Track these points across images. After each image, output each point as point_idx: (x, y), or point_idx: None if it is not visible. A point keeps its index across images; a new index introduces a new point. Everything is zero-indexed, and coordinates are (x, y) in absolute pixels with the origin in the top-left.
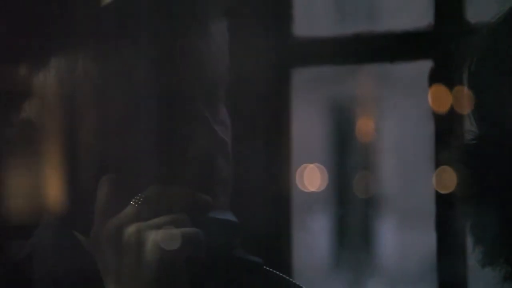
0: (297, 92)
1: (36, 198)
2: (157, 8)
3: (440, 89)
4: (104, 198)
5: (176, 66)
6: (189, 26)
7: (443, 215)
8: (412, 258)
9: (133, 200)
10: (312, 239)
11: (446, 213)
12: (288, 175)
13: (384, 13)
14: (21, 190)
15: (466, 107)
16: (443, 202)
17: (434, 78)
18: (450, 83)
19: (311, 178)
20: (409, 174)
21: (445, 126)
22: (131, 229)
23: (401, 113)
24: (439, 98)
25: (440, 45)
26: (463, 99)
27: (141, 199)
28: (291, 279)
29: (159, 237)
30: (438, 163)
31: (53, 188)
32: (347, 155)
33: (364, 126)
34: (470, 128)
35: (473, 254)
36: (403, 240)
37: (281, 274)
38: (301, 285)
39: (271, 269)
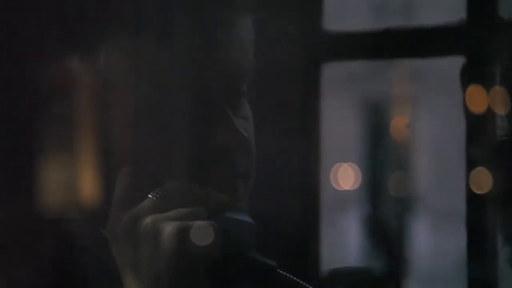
0: (328, 88)
1: (71, 193)
2: (182, 2)
3: (475, 88)
4: (122, 190)
5: (197, 60)
6: (213, 20)
7: (474, 215)
8: (444, 257)
9: (152, 193)
10: (344, 238)
11: (476, 213)
12: (317, 173)
13: (417, 8)
14: (57, 184)
15: (500, 106)
16: (474, 202)
17: (466, 74)
18: (483, 80)
19: (344, 176)
20: (443, 173)
21: (478, 125)
22: (147, 221)
23: (435, 111)
24: (474, 97)
25: (473, 41)
26: (497, 97)
27: (160, 193)
28: (305, 284)
29: (175, 229)
30: (471, 163)
31: (88, 183)
32: (379, 153)
33: (398, 123)
34: (503, 126)
35: (502, 254)
36: (436, 240)
37: (295, 279)
38: None
39: (285, 273)
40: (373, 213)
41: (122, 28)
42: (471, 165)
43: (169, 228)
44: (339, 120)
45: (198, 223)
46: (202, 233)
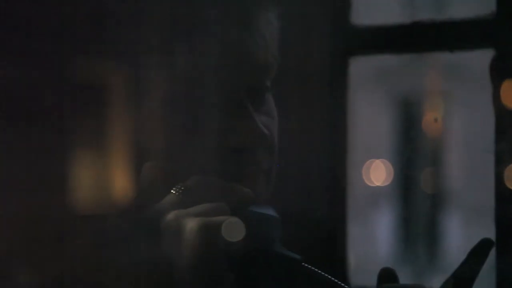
0: (357, 83)
1: (104, 189)
2: None
3: (507, 82)
4: (146, 184)
5: (220, 57)
6: (236, 15)
7: (504, 211)
8: None
9: (174, 188)
10: (375, 234)
11: (506, 209)
12: (345, 168)
13: (446, 0)
14: (89, 181)
15: None
16: (504, 198)
17: (496, 68)
18: None
19: (376, 173)
20: (474, 169)
21: (510, 120)
22: (170, 216)
23: (466, 105)
24: (505, 91)
25: (503, 34)
26: None
27: (182, 188)
28: (330, 277)
29: (198, 225)
30: (502, 158)
31: (119, 179)
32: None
33: (428, 118)
34: None
35: None
36: (468, 236)
37: (320, 272)
38: (338, 281)
39: (309, 266)
40: (404, 209)
41: (153, 27)
42: (502, 160)
43: (191, 224)
44: (369, 115)
45: (220, 218)
46: (226, 228)
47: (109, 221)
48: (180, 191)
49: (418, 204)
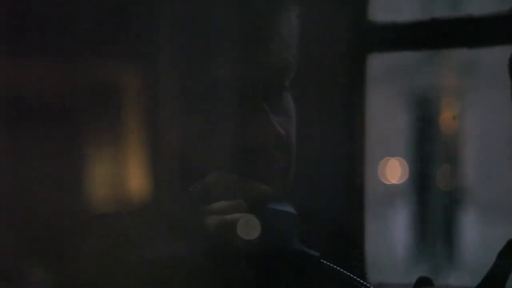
0: (374, 79)
1: (118, 187)
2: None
3: None
4: (166, 183)
5: (239, 56)
6: (255, 14)
7: None
8: (492, 252)
9: (193, 186)
10: (392, 231)
11: None
12: (362, 165)
13: None
14: (104, 180)
15: None
16: None
17: None
18: None
19: (392, 170)
20: (492, 167)
21: None
22: (188, 214)
23: (484, 103)
24: None
25: None
26: None
27: (200, 186)
28: (348, 273)
29: (215, 222)
30: None
31: (135, 178)
32: (427, 147)
33: (446, 116)
34: None
35: None
36: (484, 234)
37: (338, 268)
38: (358, 278)
39: (328, 263)
40: (421, 206)
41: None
42: None
43: (210, 222)
44: (386, 112)
45: (238, 215)
46: (245, 226)
47: (125, 219)
48: (199, 189)
49: (434, 201)
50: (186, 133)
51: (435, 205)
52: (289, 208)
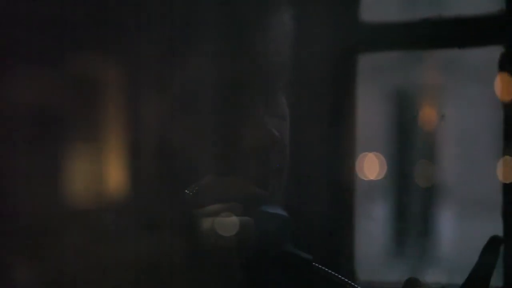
0: (363, 79)
1: (99, 184)
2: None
3: (507, 77)
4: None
5: (232, 59)
6: (249, 18)
7: (508, 204)
8: (472, 248)
9: (188, 189)
10: (372, 228)
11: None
12: (352, 163)
13: None
14: (85, 176)
15: None
16: (509, 191)
17: (505, 64)
18: None
19: (370, 166)
20: (472, 164)
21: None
22: (184, 215)
23: (467, 101)
24: (506, 86)
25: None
26: None
27: (196, 188)
28: (340, 276)
29: (211, 224)
30: (504, 153)
31: (115, 174)
32: (410, 144)
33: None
34: None
35: None
36: (464, 230)
37: (330, 271)
38: (349, 281)
39: (320, 266)
40: (398, 202)
41: (155, 24)
42: (504, 155)
43: (204, 224)
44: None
45: (234, 218)
46: (238, 228)
47: (105, 216)
48: (194, 191)
49: (412, 198)
50: (181, 135)
51: (413, 202)
52: (282, 211)
